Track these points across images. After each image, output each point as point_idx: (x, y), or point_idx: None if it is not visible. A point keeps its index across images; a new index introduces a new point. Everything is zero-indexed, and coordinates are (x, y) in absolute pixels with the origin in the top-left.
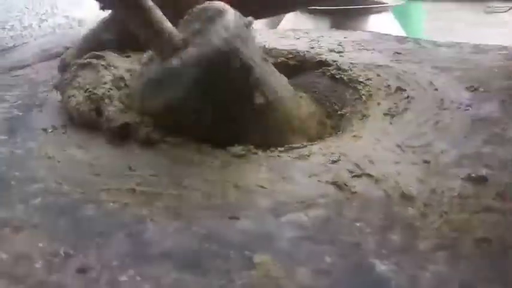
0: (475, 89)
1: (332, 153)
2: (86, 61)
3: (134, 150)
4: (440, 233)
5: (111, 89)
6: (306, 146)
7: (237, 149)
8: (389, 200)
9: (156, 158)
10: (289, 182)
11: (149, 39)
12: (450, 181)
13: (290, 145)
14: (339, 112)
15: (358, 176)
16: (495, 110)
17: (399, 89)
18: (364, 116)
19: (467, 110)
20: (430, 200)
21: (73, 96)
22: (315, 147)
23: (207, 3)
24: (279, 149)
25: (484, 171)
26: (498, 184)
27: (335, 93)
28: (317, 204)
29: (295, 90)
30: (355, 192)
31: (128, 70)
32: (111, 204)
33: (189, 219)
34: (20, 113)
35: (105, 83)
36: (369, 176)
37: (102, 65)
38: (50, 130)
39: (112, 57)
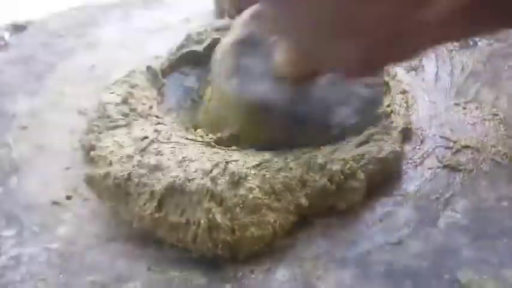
0: None
1: (407, 129)
2: None
3: None
4: None
5: None
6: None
7: None
8: (505, 168)
9: None
10: (406, 180)
11: None
12: None
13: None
14: None
15: (458, 151)
16: None
17: None
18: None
19: None
20: None
21: None
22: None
23: None
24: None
25: None
26: None
27: None
28: (454, 195)
29: None
30: (472, 170)
31: None
32: None
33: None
34: None
35: None
36: (467, 147)
37: None
38: None
39: None
